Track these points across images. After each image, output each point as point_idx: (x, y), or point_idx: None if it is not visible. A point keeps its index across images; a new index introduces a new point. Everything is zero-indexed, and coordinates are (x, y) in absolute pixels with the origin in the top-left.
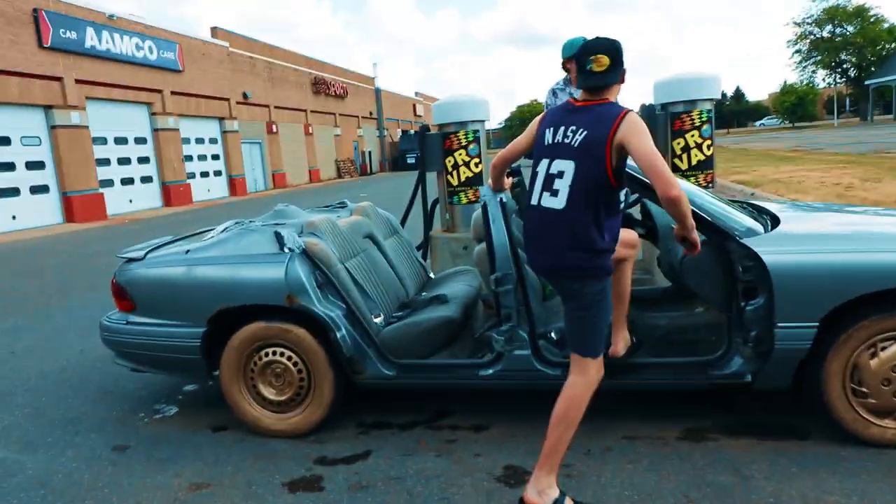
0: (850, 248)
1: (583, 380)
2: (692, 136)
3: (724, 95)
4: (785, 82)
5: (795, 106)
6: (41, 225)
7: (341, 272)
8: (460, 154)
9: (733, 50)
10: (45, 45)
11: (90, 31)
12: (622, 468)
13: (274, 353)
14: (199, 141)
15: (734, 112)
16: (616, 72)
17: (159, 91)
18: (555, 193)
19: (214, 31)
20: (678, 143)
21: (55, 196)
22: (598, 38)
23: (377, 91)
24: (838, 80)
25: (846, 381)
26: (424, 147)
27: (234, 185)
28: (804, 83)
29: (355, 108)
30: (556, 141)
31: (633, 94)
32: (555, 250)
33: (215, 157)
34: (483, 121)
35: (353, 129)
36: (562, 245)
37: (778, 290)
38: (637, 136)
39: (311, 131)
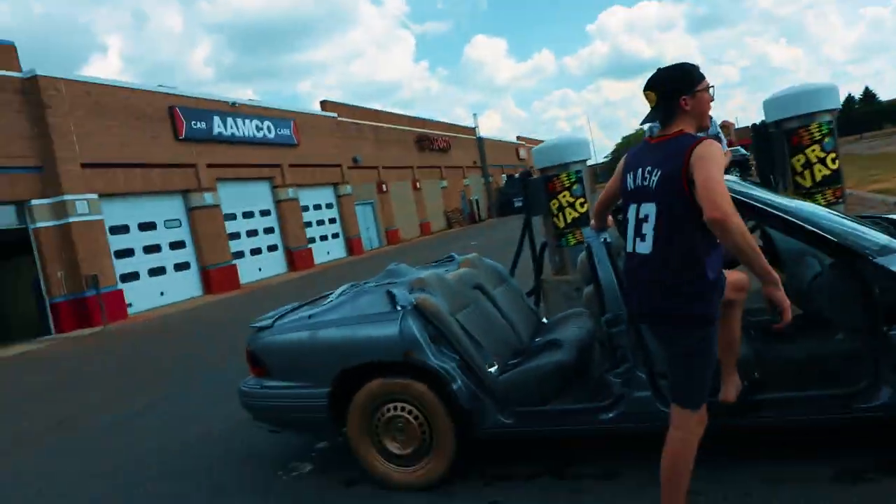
0: None
1: (682, 434)
2: (813, 150)
3: (851, 98)
4: None
5: None
6: (185, 298)
7: (452, 324)
8: (564, 196)
9: (860, 45)
10: (181, 138)
11: (217, 120)
12: None
13: (395, 409)
14: (317, 207)
15: (866, 114)
16: (670, 103)
17: (278, 165)
18: (643, 238)
19: (324, 104)
20: (798, 161)
21: (195, 271)
22: (657, 70)
23: (479, 140)
24: None
25: None
26: (528, 192)
27: (352, 245)
28: None
29: (459, 158)
30: (637, 185)
31: (749, 111)
32: (649, 296)
33: (332, 220)
34: (584, 160)
35: (458, 179)
36: (655, 290)
37: None
38: (700, 161)
39: (418, 186)
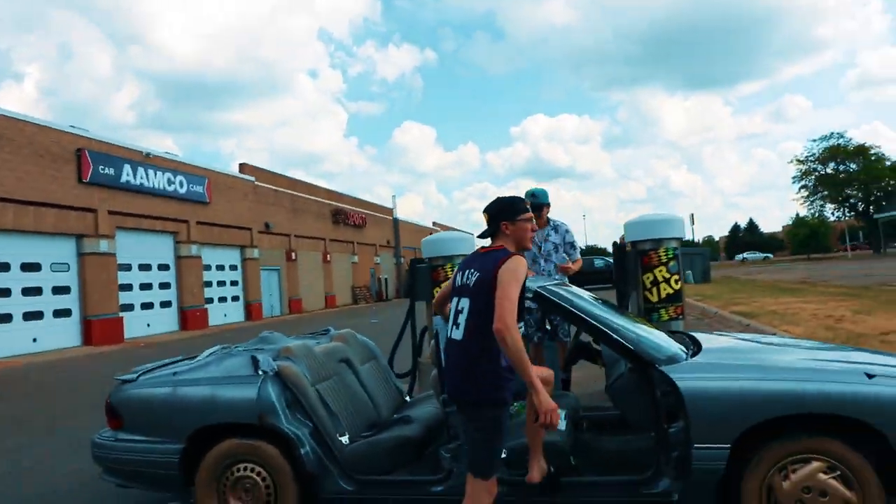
0: (752, 376)
1: (474, 500)
2: (660, 270)
3: (737, 226)
4: (797, 215)
5: (809, 238)
6: (60, 347)
7: (310, 393)
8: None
9: (749, 181)
10: (84, 180)
11: (126, 167)
12: None
13: (245, 469)
14: (220, 268)
15: (749, 243)
16: (496, 225)
17: (185, 221)
18: (458, 326)
19: (242, 166)
20: (647, 278)
21: (76, 320)
22: (495, 198)
23: (395, 220)
24: (847, 214)
25: (762, 502)
26: (414, 278)
27: (251, 310)
28: (814, 216)
29: (373, 236)
30: (461, 282)
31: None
32: (453, 378)
33: (234, 282)
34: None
35: (370, 256)
36: (460, 371)
37: (693, 414)
38: (503, 274)
39: (328, 259)
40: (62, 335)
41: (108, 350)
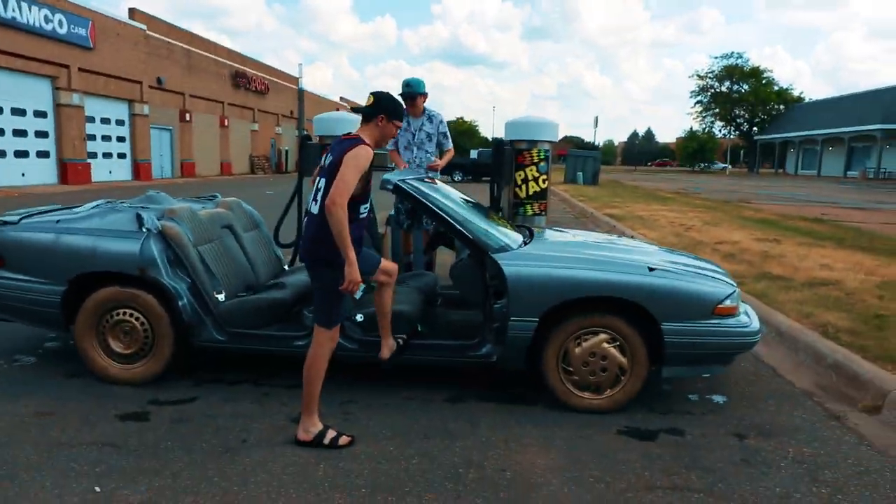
0: (561, 265)
1: (317, 348)
2: (531, 170)
3: (635, 134)
4: (690, 128)
5: (696, 152)
6: None
7: (191, 253)
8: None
9: (654, 90)
10: None
11: None
12: (389, 416)
13: (124, 314)
14: (105, 121)
15: (644, 151)
16: (373, 114)
17: (66, 66)
18: (315, 202)
19: (133, 11)
20: (519, 175)
21: None
22: (386, 92)
23: (300, 91)
24: (733, 133)
25: (559, 363)
26: (303, 155)
27: (139, 169)
28: (705, 131)
29: (276, 105)
30: (323, 164)
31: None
32: (305, 244)
33: (121, 139)
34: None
35: (271, 126)
36: (308, 240)
37: (512, 293)
38: (347, 159)
39: (226, 124)
40: None
41: None
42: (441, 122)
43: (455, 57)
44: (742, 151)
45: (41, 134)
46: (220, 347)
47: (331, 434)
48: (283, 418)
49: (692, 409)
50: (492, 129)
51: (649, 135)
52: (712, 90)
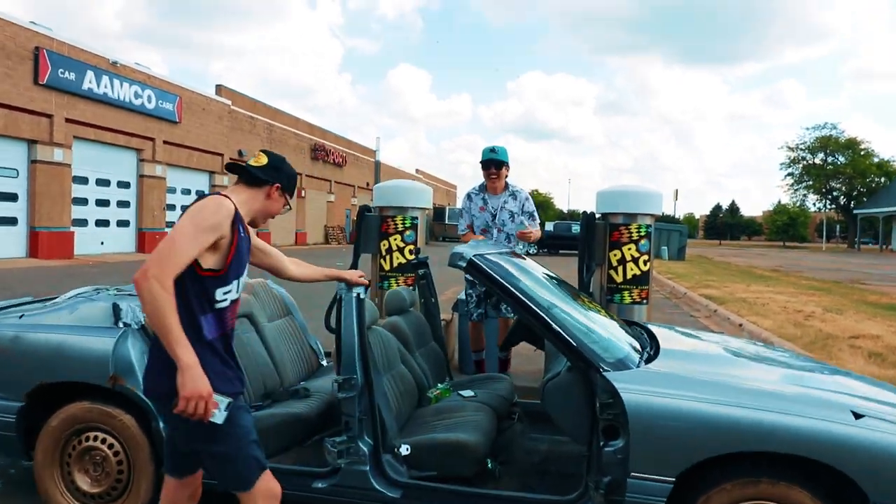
0: (716, 398)
1: None
2: (629, 249)
3: (718, 207)
4: (779, 202)
5: (787, 226)
6: (3, 257)
7: None
8: (395, 239)
9: (735, 163)
10: (41, 83)
11: (90, 74)
12: None
13: (95, 439)
14: (186, 192)
15: (728, 225)
16: (263, 180)
17: (151, 139)
18: None
19: (219, 88)
20: (615, 255)
21: (23, 229)
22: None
23: (376, 163)
24: (828, 206)
25: None
26: (361, 228)
27: None
28: (796, 205)
29: (353, 177)
30: None
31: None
32: (146, 372)
33: None
34: (424, 208)
35: (347, 197)
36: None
37: (636, 436)
38: (184, 218)
39: (303, 195)
40: (6, 244)
41: (55, 264)
42: (527, 198)
43: (529, 131)
44: (838, 226)
45: (123, 203)
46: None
47: None
48: None
49: None
50: (567, 201)
51: (733, 208)
52: (804, 162)
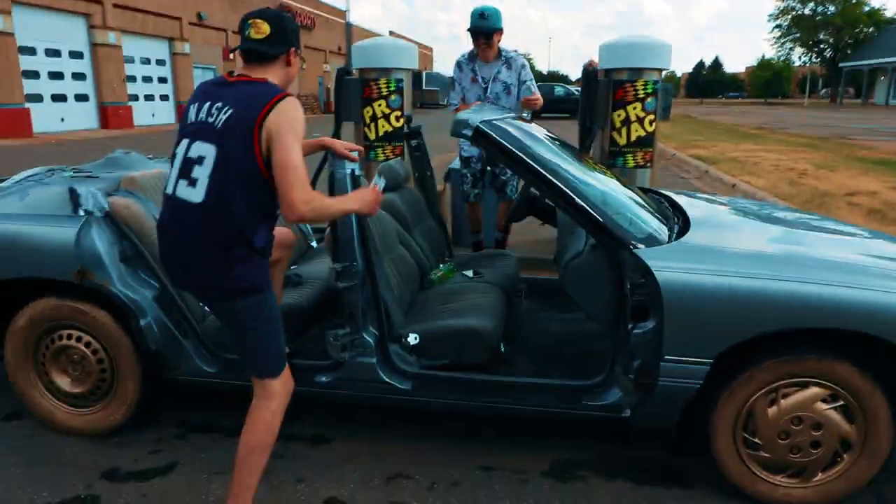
0: (761, 273)
1: (267, 403)
2: (634, 108)
3: (701, 64)
4: (763, 56)
5: (770, 82)
6: None
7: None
8: (380, 105)
9: (720, 16)
10: None
11: None
12: (460, 497)
13: (69, 337)
14: (145, 61)
15: (710, 82)
16: (278, 48)
17: (99, 2)
18: (193, 183)
19: None
20: (618, 115)
21: None
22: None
23: (347, 25)
24: (814, 60)
25: (738, 429)
26: (341, 93)
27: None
28: (781, 59)
29: (323, 41)
30: (199, 119)
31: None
32: (186, 252)
33: (162, 79)
34: (410, 69)
35: (319, 63)
36: (194, 247)
37: (670, 317)
38: (286, 134)
39: None
40: None
41: (12, 144)
42: (523, 66)
43: None
44: (821, 81)
45: (78, 76)
46: (211, 383)
47: None
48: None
49: None
50: (547, 62)
51: (716, 64)
52: (793, 13)
